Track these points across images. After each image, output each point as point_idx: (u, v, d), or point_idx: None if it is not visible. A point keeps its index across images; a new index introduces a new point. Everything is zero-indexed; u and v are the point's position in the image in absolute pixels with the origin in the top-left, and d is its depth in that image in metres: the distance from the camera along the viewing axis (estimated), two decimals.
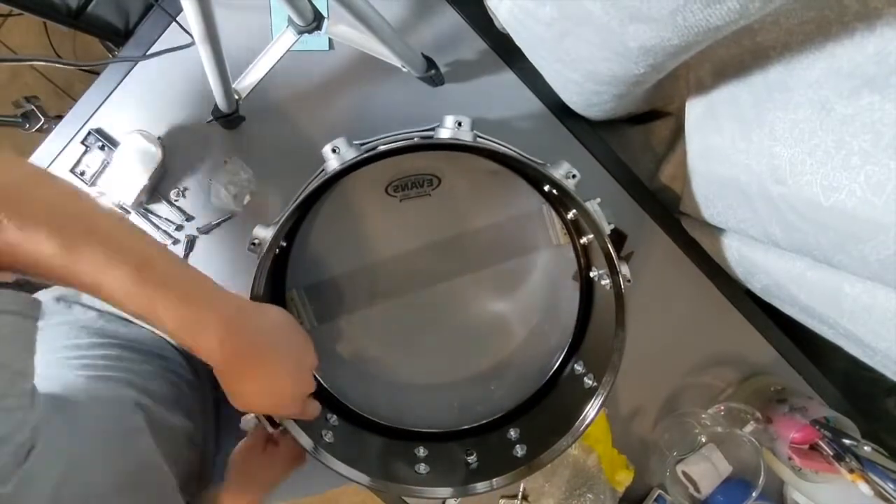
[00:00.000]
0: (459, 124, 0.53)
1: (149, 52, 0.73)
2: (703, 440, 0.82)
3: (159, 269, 0.41)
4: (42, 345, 0.50)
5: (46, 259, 0.37)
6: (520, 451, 0.62)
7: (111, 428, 0.49)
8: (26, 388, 0.36)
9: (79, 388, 0.52)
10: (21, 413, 0.35)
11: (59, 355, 0.56)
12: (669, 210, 0.84)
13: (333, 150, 0.52)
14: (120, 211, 0.42)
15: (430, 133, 0.54)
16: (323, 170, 0.54)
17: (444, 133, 0.53)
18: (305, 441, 0.56)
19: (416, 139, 0.54)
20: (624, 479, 0.84)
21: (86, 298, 0.71)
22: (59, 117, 0.81)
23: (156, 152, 0.74)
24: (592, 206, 0.55)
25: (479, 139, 0.54)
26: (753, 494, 0.78)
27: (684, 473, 0.81)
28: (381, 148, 0.52)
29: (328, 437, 0.60)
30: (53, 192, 0.39)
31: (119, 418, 0.51)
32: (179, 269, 0.43)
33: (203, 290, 0.44)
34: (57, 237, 0.37)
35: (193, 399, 0.68)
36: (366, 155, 0.51)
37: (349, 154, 0.52)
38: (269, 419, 0.56)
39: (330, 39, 0.77)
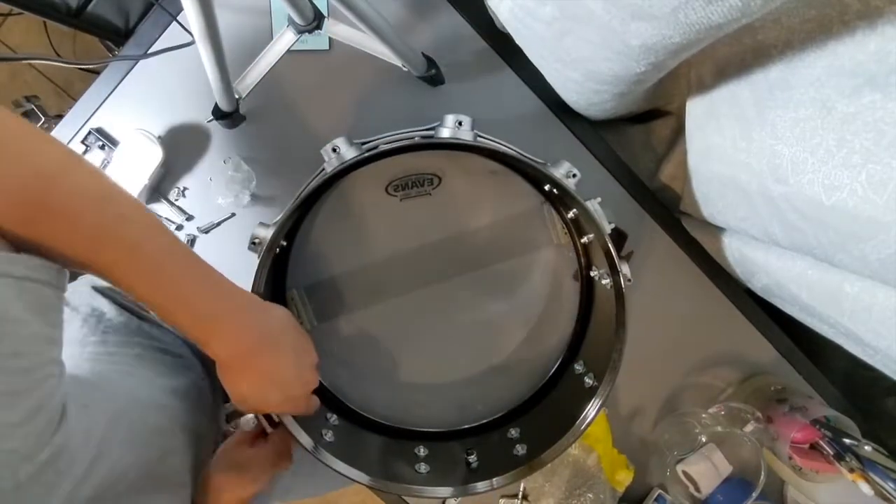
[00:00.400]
0: (460, 123, 0.53)
1: (149, 52, 0.73)
2: (704, 440, 0.82)
3: (178, 264, 0.42)
4: (70, 335, 0.51)
5: (71, 242, 0.37)
6: (520, 450, 0.62)
7: (139, 420, 0.49)
8: (56, 356, 0.36)
9: (108, 378, 0.52)
10: (54, 381, 0.35)
11: (88, 349, 0.56)
12: (670, 209, 0.84)
13: (334, 150, 0.52)
14: (140, 201, 0.43)
15: (431, 132, 0.54)
16: (323, 169, 0.53)
17: (445, 132, 0.53)
18: (305, 440, 0.56)
19: (416, 138, 0.54)
20: (624, 478, 0.84)
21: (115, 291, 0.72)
22: (60, 117, 0.81)
23: (156, 152, 0.74)
24: (593, 205, 0.55)
25: (479, 138, 0.54)
26: (754, 494, 0.78)
27: (684, 473, 0.81)
28: (382, 147, 0.51)
29: (328, 436, 0.60)
30: (87, 177, 0.39)
31: (146, 414, 0.51)
32: (196, 264, 0.44)
33: (218, 286, 0.45)
34: (86, 222, 0.37)
35: (212, 405, 0.69)
36: (366, 154, 0.51)
37: (349, 153, 0.52)
38: (268, 418, 0.56)
39: (330, 39, 0.77)
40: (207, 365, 0.72)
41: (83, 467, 0.37)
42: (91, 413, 0.42)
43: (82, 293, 0.68)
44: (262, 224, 0.53)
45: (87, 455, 0.38)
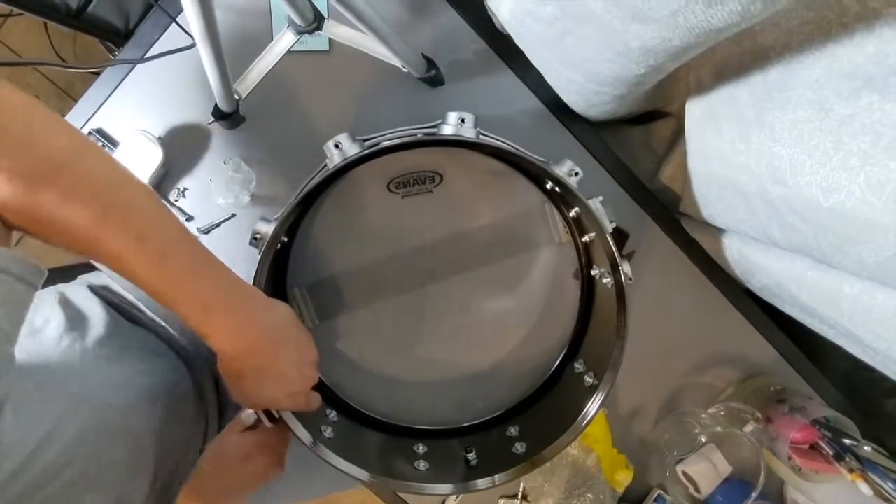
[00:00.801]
0: (463, 121, 0.53)
1: (148, 54, 0.73)
2: (703, 440, 0.82)
3: (185, 254, 0.42)
4: (51, 328, 0.50)
5: (77, 229, 0.37)
6: (519, 448, 0.63)
7: (98, 417, 0.48)
8: (9, 353, 0.36)
9: (75, 372, 0.52)
10: None
11: (64, 343, 0.56)
12: (669, 210, 0.84)
13: (336, 146, 0.52)
14: (152, 189, 0.44)
15: (434, 130, 0.55)
16: (325, 165, 0.54)
17: (448, 129, 0.53)
18: (304, 436, 0.56)
19: (419, 135, 0.55)
20: (623, 478, 0.84)
21: (112, 288, 0.72)
22: None
23: (156, 152, 0.74)
24: (595, 203, 0.56)
25: (482, 136, 0.54)
26: (753, 494, 0.78)
27: (684, 473, 0.81)
28: (384, 143, 0.52)
29: (327, 432, 0.60)
30: (98, 164, 0.39)
31: (108, 412, 0.51)
32: (204, 256, 0.44)
33: (225, 279, 0.45)
34: (93, 210, 0.37)
35: (193, 411, 0.68)
36: (368, 150, 0.51)
37: (352, 149, 0.52)
38: (268, 413, 0.56)
39: (330, 40, 0.77)
40: (196, 370, 0.72)
41: (14, 464, 0.37)
42: (41, 406, 0.42)
43: (75, 290, 0.68)
44: (263, 219, 0.53)
45: (23, 452, 0.38)
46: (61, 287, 0.70)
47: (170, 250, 0.41)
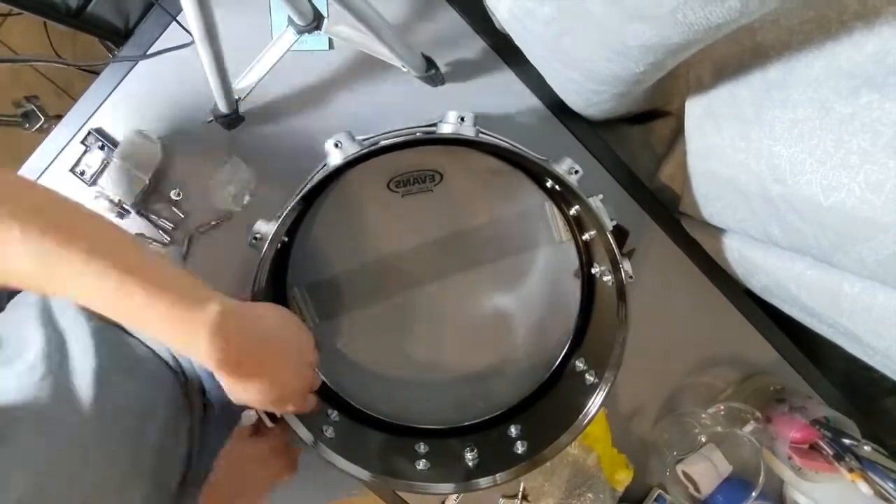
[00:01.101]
0: (462, 119, 0.53)
1: (148, 52, 0.73)
2: (703, 440, 0.82)
3: (146, 273, 0.41)
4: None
5: (20, 265, 0.36)
6: (520, 447, 0.63)
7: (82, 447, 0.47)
8: None
9: (44, 409, 0.48)
10: None
11: (38, 372, 0.51)
12: (669, 210, 0.84)
13: (336, 145, 0.52)
14: (105, 216, 0.41)
15: (433, 128, 0.55)
16: (325, 164, 0.54)
17: (447, 128, 0.53)
18: (305, 435, 0.56)
19: (418, 134, 0.55)
20: (623, 478, 0.84)
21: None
22: (59, 117, 0.80)
23: (155, 152, 0.74)
24: (595, 202, 0.56)
25: (481, 134, 0.54)
26: (753, 494, 0.78)
27: (684, 473, 0.81)
28: (384, 142, 0.52)
29: (329, 432, 0.60)
30: (37, 197, 0.38)
31: (101, 438, 0.49)
32: (165, 271, 0.43)
33: (191, 292, 0.43)
34: (32, 240, 0.36)
35: (188, 422, 0.67)
36: (368, 149, 0.51)
37: (352, 148, 0.52)
38: (270, 414, 0.56)
39: (330, 39, 0.77)
40: (186, 379, 0.70)
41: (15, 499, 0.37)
42: (30, 438, 0.42)
43: (60, 304, 0.64)
44: (263, 219, 0.53)
45: (20, 485, 0.38)
46: (49, 299, 0.61)
47: (129, 278, 0.39)
